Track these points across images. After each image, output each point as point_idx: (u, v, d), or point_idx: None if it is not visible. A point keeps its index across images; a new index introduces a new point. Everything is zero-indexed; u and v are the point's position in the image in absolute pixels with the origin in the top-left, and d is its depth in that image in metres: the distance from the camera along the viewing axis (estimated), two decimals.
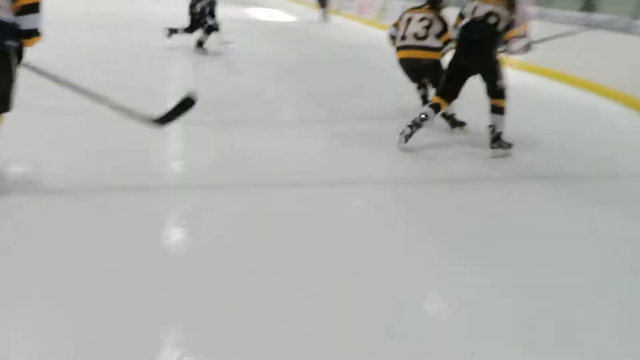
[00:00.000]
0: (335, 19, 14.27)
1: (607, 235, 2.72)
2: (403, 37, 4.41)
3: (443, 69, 4.05)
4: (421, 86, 4.61)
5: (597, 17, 7.00)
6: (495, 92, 3.70)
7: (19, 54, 2.58)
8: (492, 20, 3.66)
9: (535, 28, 7.36)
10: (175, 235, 2.43)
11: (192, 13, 7.18)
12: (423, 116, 3.69)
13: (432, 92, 4.27)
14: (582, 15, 7.21)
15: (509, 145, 3.73)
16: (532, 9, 4.18)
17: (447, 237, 2.59)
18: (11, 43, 2.50)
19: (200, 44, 7.20)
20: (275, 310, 1.86)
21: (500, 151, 3.69)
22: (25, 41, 2.57)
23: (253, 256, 2.24)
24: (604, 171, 3.76)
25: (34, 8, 2.54)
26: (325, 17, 14.12)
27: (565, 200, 3.17)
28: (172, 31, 7.24)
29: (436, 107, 3.80)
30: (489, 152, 3.71)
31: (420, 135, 3.75)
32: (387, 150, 3.80)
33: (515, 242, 2.57)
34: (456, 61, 3.81)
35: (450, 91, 3.81)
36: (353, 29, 12.73)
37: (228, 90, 5.24)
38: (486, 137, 3.73)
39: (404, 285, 2.13)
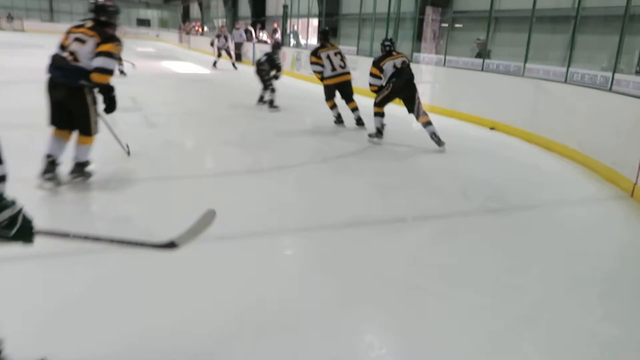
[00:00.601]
0: (250, 68, 14.53)
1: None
2: (333, 69, 6.54)
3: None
4: (335, 106, 6.69)
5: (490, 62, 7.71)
6: (420, 112, 5.63)
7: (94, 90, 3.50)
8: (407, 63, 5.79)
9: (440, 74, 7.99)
10: (86, 300, 2.29)
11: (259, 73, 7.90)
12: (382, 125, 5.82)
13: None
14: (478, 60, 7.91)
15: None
16: None
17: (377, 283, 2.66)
18: (84, 82, 3.39)
19: (271, 103, 7.82)
20: None
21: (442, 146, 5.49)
22: (93, 76, 3.40)
23: (186, 316, 2.16)
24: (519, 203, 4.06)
25: (105, 54, 3.41)
26: (235, 67, 14.52)
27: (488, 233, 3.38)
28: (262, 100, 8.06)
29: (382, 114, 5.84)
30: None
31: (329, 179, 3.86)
32: (312, 196, 3.88)
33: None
34: (396, 89, 5.67)
35: (384, 104, 5.81)
36: None
37: (147, 144, 5.12)
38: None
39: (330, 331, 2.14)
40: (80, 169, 3.74)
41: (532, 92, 6.59)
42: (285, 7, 15.89)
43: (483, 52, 8.00)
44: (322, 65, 6.55)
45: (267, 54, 7.95)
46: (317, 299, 2.40)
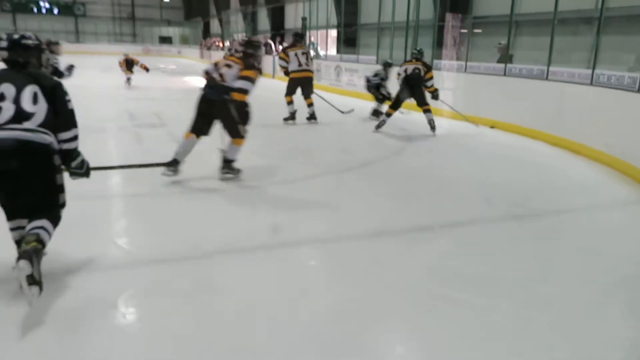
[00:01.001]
0: (271, 81, 14.67)
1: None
2: (299, 65, 7.49)
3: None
4: (292, 102, 7.58)
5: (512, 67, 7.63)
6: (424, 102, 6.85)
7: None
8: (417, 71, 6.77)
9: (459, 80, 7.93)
10: (130, 315, 2.33)
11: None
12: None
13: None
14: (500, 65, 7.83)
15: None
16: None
17: (410, 290, 2.64)
18: (227, 96, 4.16)
19: (376, 112, 8.26)
20: None
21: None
22: (234, 94, 4.18)
23: (208, 332, 2.18)
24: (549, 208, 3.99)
25: (245, 78, 4.20)
26: None
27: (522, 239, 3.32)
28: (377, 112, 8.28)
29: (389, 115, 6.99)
30: None
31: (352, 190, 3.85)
32: (335, 205, 3.88)
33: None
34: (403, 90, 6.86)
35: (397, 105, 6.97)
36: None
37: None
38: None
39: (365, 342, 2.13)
40: (228, 165, 4.47)
41: (556, 96, 6.50)
42: (304, 19, 16.04)
43: (505, 57, 7.92)
44: (287, 62, 7.63)
45: (377, 72, 8.50)
46: (343, 310, 2.39)
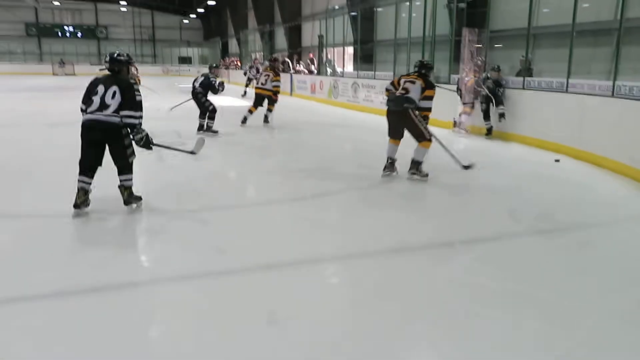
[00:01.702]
0: (289, 99, 14.81)
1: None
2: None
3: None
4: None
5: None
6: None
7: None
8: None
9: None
10: (152, 332, 2.34)
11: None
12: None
13: None
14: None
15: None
16: None
17: (435, 308, 2.60)
18: (407, 105, 4.85)
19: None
20: None
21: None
22: (423, 113, 4.99)
23: (236, 347, 2.18)
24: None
25: (429, 98, 4.96)
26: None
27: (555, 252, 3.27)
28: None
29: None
30: None
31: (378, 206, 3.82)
32: (355, 222, 3.87)
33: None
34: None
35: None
36: (308, 107, 13.20)
37: (193, 175, 5.26)
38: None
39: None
40: (415, 166, 5.08)
41: (577, 108, 6.42)
42: (320, 36, 16.20)
43: (524, 70, 7.87)
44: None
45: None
46: (367, 328, 2.36)
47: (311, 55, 17.51)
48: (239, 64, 26.69)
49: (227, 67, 27.13)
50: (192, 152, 4.43)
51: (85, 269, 2.94)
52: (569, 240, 3.60)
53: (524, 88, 7.61)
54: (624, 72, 6.33)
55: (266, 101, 9.18)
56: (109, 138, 3.75)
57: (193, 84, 8.17)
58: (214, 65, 9.59)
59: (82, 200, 3.75)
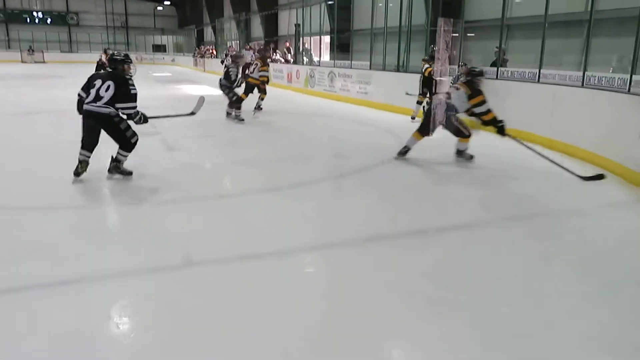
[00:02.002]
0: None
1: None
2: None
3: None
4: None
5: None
6: None
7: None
8: None
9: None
10: (124, 325, 2.32)
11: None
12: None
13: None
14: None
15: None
16: None
17: (412, 293, 2.64)
18: (449, 113, 5.33)
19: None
20: None
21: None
22: (484, 116, 5.31)
23: (211, 339, 2.18)
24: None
25: (478, 104, 5.27)
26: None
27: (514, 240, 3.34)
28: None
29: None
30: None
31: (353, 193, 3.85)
32: (331, 212, 3.89)
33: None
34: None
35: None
36: (285, 97, 13.13)
37: (168, 167, 5.20)
38: None
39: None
40: (460, 153, 5.58)
41: (548, 98, 6.54)
42: (297, 25, 16.09)
43: (499, 60, 7.97)
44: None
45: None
46: (341, 316, 2.39)
47: (287, 44, 17.39)
48: (215, 52, 26.34)
49: (202, 56, 26.75)
50: (192, 113, 4.88)
51: (57, 261, 2.89)
52: (538, 228, 3.68)
53: (497, 78, 7.70)
54: (594, 63, 6.46)
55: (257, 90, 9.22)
56: (102, 124, 4.38)
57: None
58: (236, 53, 9.84)
59: (82, 169, 4.43)
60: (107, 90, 4.28)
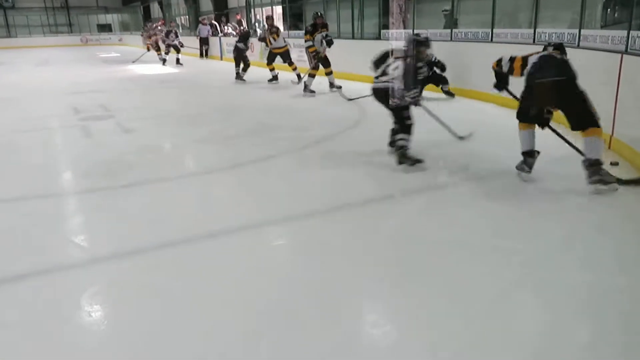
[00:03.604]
0: (220, 63, 14.38)
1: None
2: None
3: None
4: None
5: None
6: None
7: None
8: None
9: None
10: (95, 313, 2.26)
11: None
12: None
13: None
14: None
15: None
16: None
17: (376, 259, 2.67)
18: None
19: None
20: None
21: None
22: None
23: (185, 319, 2.15)
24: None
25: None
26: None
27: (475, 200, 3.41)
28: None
29: None
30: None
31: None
32: (296, 184, 3.88)
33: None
34: None
35: None
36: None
37: (125, 150, 5.04)
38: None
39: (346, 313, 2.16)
40: (593, 169, 3.35)
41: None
42: None
43: (450, 22, 8.01)
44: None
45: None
46: (313, 286, 2.40)
47: (238, 17, 16.95)
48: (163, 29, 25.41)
49: (150, 36, 25.80)
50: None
51: (18, 254, 2.78)
52: (499, 184, 3.76)
53: (451, 40, 7.75)
54: (544, 20, 6.57)
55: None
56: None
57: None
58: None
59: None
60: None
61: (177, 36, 14.86)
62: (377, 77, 4.31)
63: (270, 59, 9.71)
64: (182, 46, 14.77)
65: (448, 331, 2.02)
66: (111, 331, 2.13)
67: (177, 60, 14.70)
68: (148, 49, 15.97)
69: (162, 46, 15.11)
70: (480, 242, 2.80)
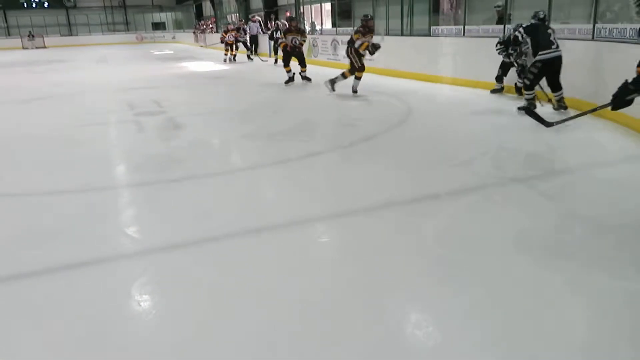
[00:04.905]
0: (269, 60, 14.56)
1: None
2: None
3: None
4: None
5: None
6: None
7: None
8: None
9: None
10: (144, 303, 2.34)
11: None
12: None
13: None
14: None
15: None
16: None
17: (419, 260, 2.64)
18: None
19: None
20: None
21: None
22: None
23: (231, 311, 2.20)
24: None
25: None
26: (251, 58, 14.78)
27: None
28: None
29: None
30: None
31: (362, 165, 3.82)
32: (342, 181, 3.87)
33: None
34: None
35: None
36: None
37: (176, 145, 5.19)
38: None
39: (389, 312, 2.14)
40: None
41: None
42: None
43: (503, 18, 7.78)
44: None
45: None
46: (357, 284, 2.39)
47: (288, 14, 17.08)
48: (214, 27, 26.00)
49: (202, 32, 26.43)
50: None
51: (70, 246, 2.91)
52: (552, 185, 3.64)
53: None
54: (602, 15, 6.27)
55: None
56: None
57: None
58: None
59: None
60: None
61: (245, 33, 15.21)
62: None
63: (287, 60, 9.50)
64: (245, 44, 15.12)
65: (492, 334, 1.97)
66: (159, 321, 2.20)
67: (234, 57, 15.00)
68: (222, 41, 15.66)
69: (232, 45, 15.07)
70: (529, 243, 2.71)
